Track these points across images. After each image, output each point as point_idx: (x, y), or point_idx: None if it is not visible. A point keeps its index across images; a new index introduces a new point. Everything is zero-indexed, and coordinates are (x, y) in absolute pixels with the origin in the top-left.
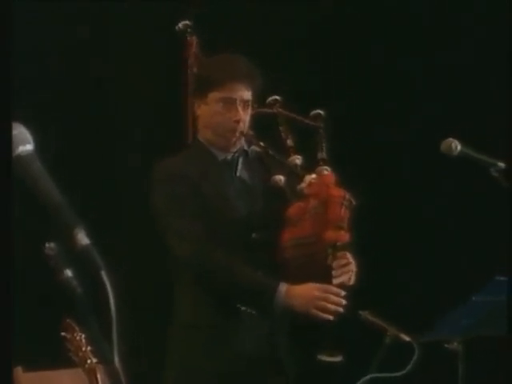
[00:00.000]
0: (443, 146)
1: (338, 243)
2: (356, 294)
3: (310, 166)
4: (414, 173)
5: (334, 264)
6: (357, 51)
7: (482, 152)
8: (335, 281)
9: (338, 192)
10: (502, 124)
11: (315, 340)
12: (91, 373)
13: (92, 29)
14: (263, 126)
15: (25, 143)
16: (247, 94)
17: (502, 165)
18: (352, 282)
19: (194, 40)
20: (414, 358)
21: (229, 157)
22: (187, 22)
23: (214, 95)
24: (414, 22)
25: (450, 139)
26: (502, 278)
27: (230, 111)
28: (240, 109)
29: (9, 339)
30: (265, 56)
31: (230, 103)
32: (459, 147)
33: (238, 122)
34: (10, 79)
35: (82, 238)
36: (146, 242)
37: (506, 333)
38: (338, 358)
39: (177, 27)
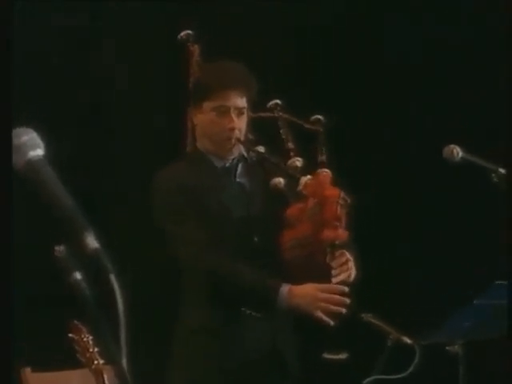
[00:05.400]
0: (445, 151)
1: (337, 242)
2: (359, 297)
3: (311, 168)
4: (417, 176)
5: (333, 263)
6: (357, 55)
7: (483, 158)
8: (335, 279)
9: (333, 191)
10: (502, 130)
11: (319, 340)
12: (98, 373)
13: (93, 34)
14: (265, 130)
15: (35, 148)
16: (241, 101)
17: (502, 171)
18: (351, 278)
19: (196, 49)
20: (416, 360)
21: (227, 164)
22: (189, 31)
23: (208, 104)
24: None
25: (452, 145)
26: (502, 282)
27: (224, 119)
28: (234, 116)
29: (11, 340)
30: (266, 61)
31: (223, 111)
32: (460, 153)
33: (232, 129)
34: (11, 84)
35: (92, 242)
36: (154, 245)
37: (506, 336)
38: (343, 356)
39: (179, 37)
